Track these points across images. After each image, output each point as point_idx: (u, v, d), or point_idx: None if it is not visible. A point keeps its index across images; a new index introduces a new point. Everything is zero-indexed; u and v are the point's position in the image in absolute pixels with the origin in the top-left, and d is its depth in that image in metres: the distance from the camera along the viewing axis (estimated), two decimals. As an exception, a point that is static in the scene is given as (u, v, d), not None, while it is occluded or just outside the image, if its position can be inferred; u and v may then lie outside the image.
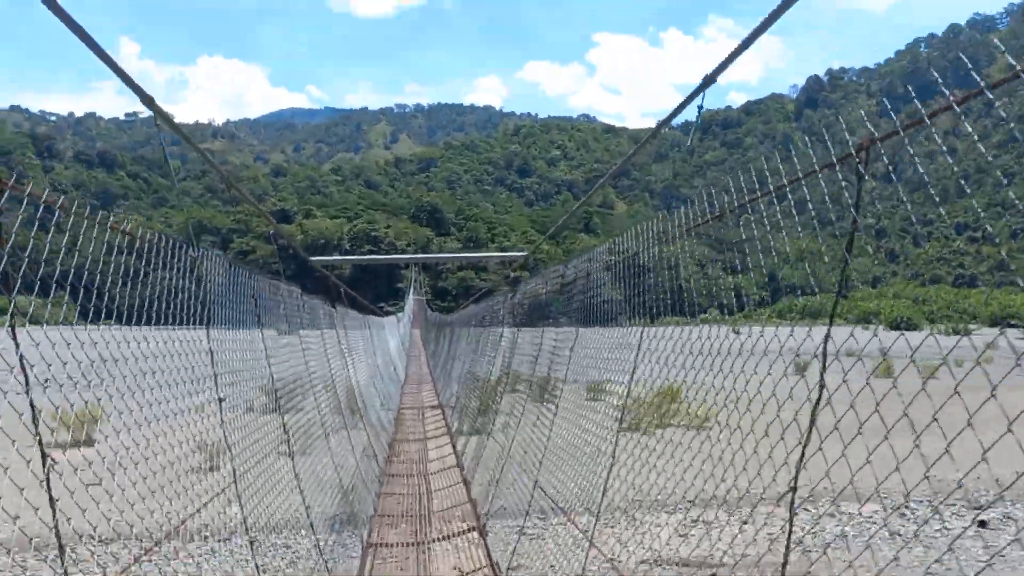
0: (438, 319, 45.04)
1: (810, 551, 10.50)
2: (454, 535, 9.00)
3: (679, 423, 5.10)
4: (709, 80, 3.80)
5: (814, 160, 2.88)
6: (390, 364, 25.21)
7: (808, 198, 2.93)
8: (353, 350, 13.81)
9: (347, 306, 15.04)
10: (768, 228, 3.18)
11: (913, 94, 2.88)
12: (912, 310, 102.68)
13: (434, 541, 8.84)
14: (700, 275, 4.13)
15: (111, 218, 2.98)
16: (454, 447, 14.62)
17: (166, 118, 3.23)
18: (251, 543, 4.47)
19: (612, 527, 10.02)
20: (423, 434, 17.45)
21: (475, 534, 8.87)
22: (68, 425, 2.99)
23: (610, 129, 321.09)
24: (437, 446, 15.33)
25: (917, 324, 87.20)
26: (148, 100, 3.06)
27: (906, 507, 13.33)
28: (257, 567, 4.56)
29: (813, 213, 3.09)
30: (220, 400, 3.80)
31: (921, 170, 2.95)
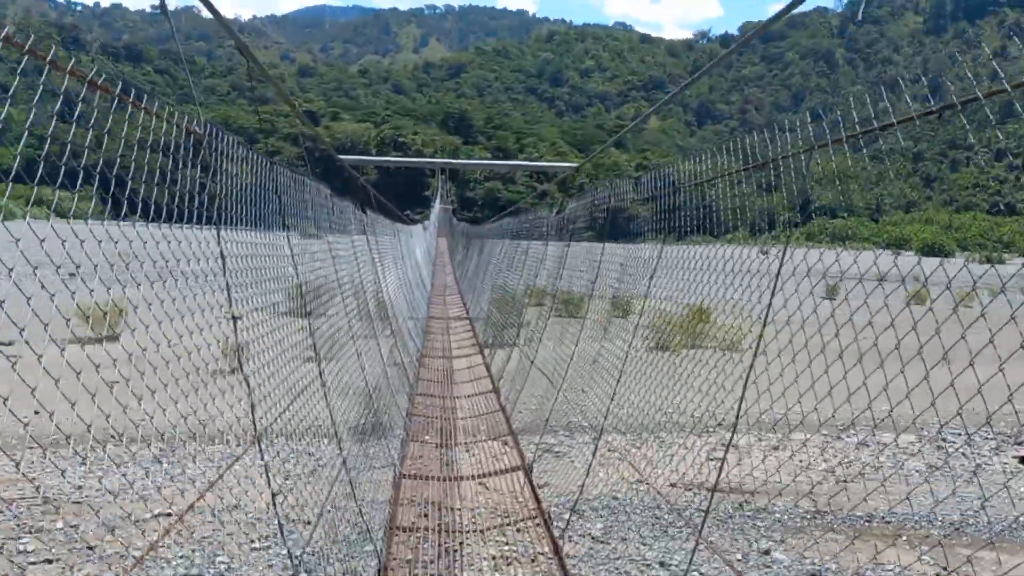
0: (466, 229, 44.69)
1: (844, 480, 10.28)
2: (497, 472, 8.61)
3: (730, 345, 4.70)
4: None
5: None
6: (418, 272, 25.02)
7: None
8: (383, 257, 13.48)
9: (376, 211, 14.59)
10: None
11: (961, 13, 2.30)
12: (945, 237, 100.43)
13: (476, 477, 8.52)
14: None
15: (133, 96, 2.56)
16: (487, 367, 14.36)
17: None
18: (258, 441, 4.07)
19: (642, 447, 9.80)
20: (451, 348, 17.29)
21: (520, 474, 8.44)
22: (96, 317, 2.65)
23: (646, 39, 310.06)
24: (470, 365, 15.12)
25: (950, 251, 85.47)
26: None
27: (943, 439, 13.00)
28: (266, 467, 4.19)
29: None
30: (235, 319, 3.45)
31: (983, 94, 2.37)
